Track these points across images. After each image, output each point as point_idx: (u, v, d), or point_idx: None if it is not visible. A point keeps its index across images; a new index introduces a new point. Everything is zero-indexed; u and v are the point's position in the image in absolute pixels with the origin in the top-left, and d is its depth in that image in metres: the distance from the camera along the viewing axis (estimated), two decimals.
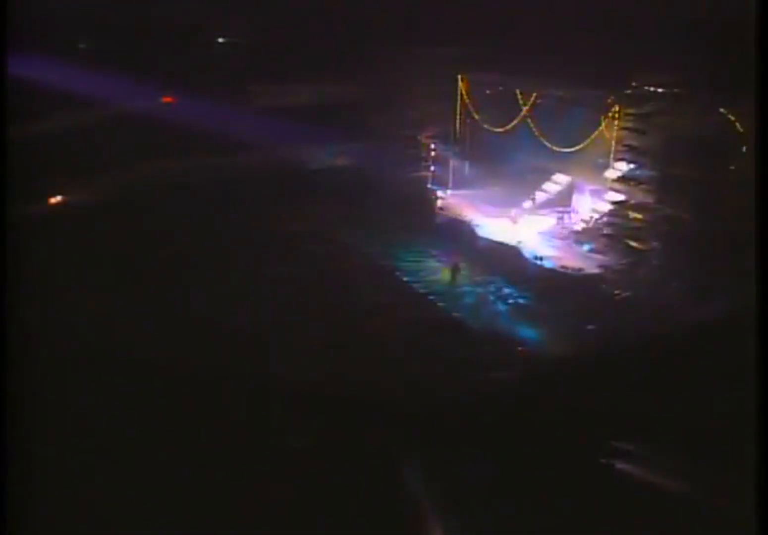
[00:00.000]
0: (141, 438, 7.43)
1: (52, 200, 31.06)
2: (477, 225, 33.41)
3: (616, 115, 30.31)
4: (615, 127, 30.60)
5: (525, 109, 35.73)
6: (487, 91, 36.30)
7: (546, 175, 35.38)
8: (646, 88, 28.44)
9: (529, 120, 35.73)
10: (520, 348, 22.19)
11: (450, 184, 38.31)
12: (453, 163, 38.26)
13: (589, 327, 23.23)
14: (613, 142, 30.76)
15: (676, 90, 27.60)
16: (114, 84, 30.94)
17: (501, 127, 36.29)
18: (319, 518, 7.46)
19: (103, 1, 34.54)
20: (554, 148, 34.41)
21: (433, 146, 38.08)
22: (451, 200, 37.18)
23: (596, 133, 32.13)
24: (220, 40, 40.41)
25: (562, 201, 34.83)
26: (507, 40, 33.03)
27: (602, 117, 31.58)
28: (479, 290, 27.66)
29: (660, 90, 27.93)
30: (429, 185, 38.17)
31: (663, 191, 27.68)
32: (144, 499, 7.11)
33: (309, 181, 36.51)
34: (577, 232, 32.07)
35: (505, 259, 29.57)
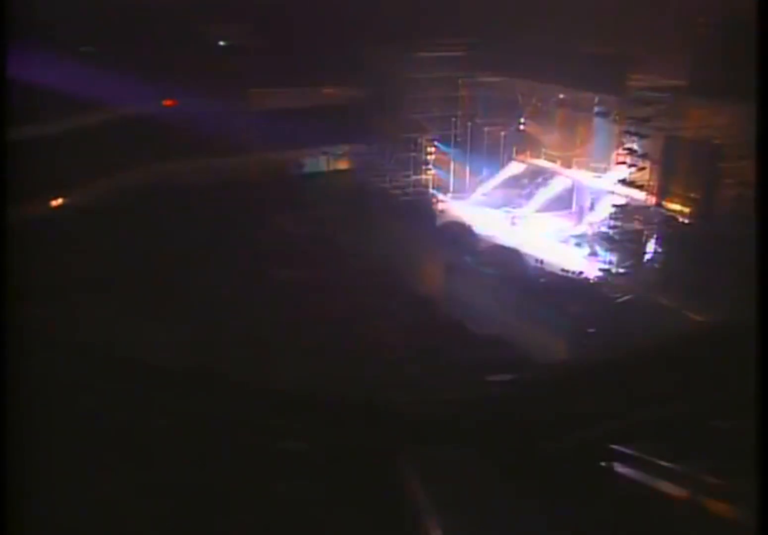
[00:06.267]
0: (139, 439, 7.40)
1: (53, 202, 31.07)
2: (477, 228, 33.42)
3: (617, 119, 30.37)
4: (615, 131, 30.65)
5: (525, 112, 35.81)
6: (488, 94, 36.35)
7: (546, 179, 35.41)
8: (647, 91, 28.45)
9: (529, 123, 35.81)
10: (520, 351, 22.13)
11: (450, 187, 38.36)
12: (454, 166, 38.32)
13: (590, 330, 23.17)
14: (614, 146, 30.82)
15: (676, 93, 27.61)
16: (115, 87, 30.96)
17: (502, 130, 36.38)
18: (317, 522, 7.42)
19: (104, 4, 34.60)
20: (555, 151, 34.47)
21: (433, 149, 38.15)
22: (451, 203, 37.22)
23: (597, 136, 32.17)
24: (221, 43, 40.48)
25: (563, 204, 34.86)
26: (508, 43, 33.08)
27: (603, 120, 31.65)
28: (479, 293, 27.63)
29: (660, 94, 27.93)
30: (429, 188, 38.22)
31: (663, 194, 27.68)
32: (142, 499, 7.07)
33: (309, 184, 36.55)
34: (577, 236, 32.07)
35: (505, 263, 29.53)
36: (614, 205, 29.47)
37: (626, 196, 29.18)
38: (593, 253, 30.12)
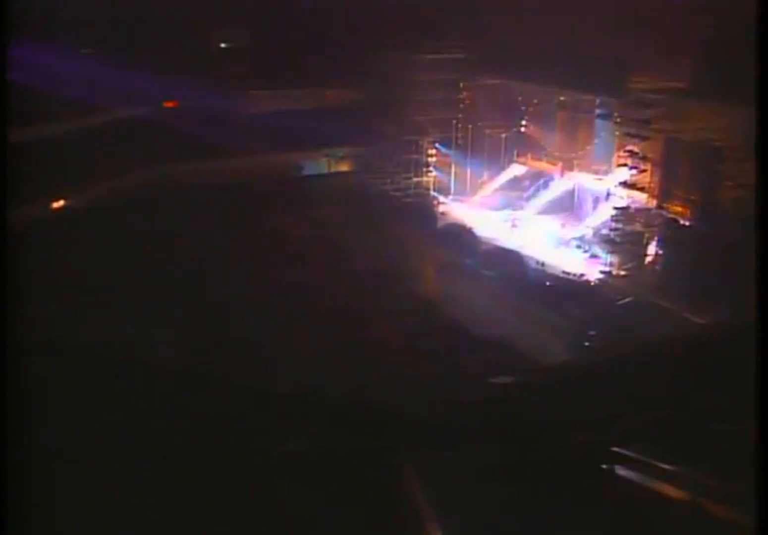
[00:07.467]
0: (138, 440, 7.40)
1: (54, 203, 31.09)
2: (479, 230, 33.44)
3: (617, 121, 30.39)
4: (616, 133, 30.67)
5: (526, 114, 35.85)
6: (489, 97, 36.40)
7: (547, 181, 35.44)
8: (647, 93, 28.48)
9: (530, 125, 35.85)
10: (521, 353, 22.12)
11: (451, 189, 38.41)
12: (455, 168, 38.38)
13: (591, 332, 23.16)
14: (615, 148, 30.84)
15: (676, 96, 27.63)
16: (116, 88, 31.02)
17: (503, 132, 36.42)
18: (318, 524, 7.41)
19: (106, 6, 34.67)
20: (555, 153, 34.49)
21: (434, 151, 38.21)
22: (452, 205, 37.27)
23: (597, 138, 32.20)
24: (223, 44, 40.53)
25: (564, 206, 34.88)
26: (509, 46, 33.11)
27: (604, 122, 31.68)
28: (480, 295, 27.61)
29: (660, 96, 27.96)
30: (431, 190, 38.26)
31: (664, 197, 27.69)
32: (141, 501, 7.06)
33: (311, 186, 36.54)
34: (578, 238, 32.08)
35: (506, 265, 29.55)
36: (615, 208, 29.50)
37: (627, 199, 29.19)
38: (594, 256, 30.13)
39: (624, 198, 29.33)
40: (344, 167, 39.93)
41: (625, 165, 28.98)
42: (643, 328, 21.94)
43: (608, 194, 30.86)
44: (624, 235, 28.63)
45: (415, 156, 37.99)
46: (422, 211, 36.18)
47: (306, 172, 38.64)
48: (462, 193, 38.25)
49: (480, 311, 26.09)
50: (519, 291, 27.24)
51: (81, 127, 31.43)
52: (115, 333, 19.18)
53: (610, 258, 29.05)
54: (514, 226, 33.82)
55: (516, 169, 36.70)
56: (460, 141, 37.71)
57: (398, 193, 37.53)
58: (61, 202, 31.04)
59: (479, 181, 38.03)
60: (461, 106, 37.24)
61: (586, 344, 22.76)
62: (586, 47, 30.94)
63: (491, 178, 37.58)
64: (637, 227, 28.59)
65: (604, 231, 30.17)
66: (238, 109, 35.14)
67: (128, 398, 7.53)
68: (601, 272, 28.47)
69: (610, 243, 29.16)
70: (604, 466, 7.89)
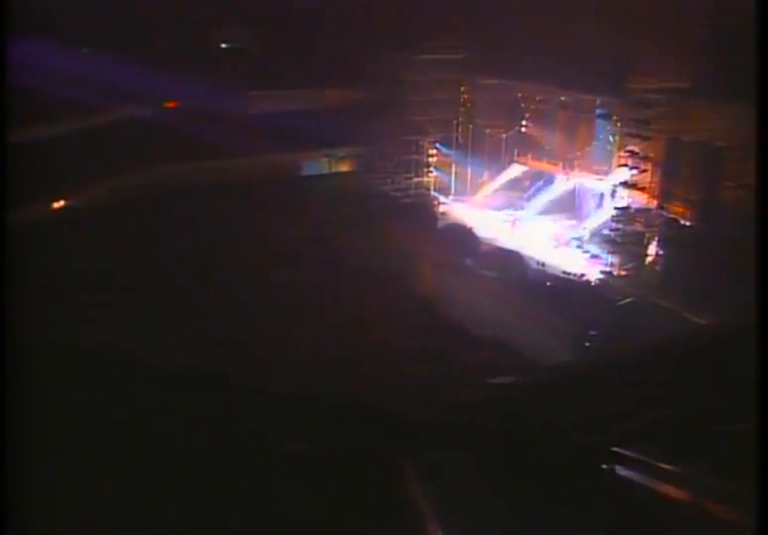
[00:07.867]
0: (138, 440, 7.39)
1: (55, 204, 31.10)
2: (479, 230, 33.44)
3: (618, 121, 30.40)
4: (617, 133, 30.68)
5: (527, 114, 35.85)
6: (489, 97, 36.40)
7: (548, 181, 35.45)
8: (648, 93, 28.49)
9: (530, 125, 35.85)
10: (521, 353, 22.13)
11: (452, 190, 38.42)
12: (455, 168, 38.39)
13: (591, 332, 23.17)
14: (615, 148, 30.86)
15: (677, 95, 27.63)
16: (117, 88, 31.03)
17: (503, 132, 36.42)
18: (317, 524, 7.40)
19: (106, 6, 34.69)
20: (556, 153, 34.50)
21: (435, 151, 38.22)
22: (453, 205, 37.27)
23: (597, 138, 32.19)
24: (223, 45, 40.55)
25: (565, 206, 34.89)
26: (509, 45, 33.11)
27: (604, 122, 31.68)
28: (481, 295, 27.62)
29: (661, 96, 27.97)
30: (431, 190, 38.26)
31: (665, 197, 27.69)
32: (141, 501, 7.05)
33: (311, 186, 36.56)
34: (578, 238, 32.09)
35: (506, 265, 29.55)
36: (616, 208, 29.51)
37: (628, 199, 29.20)
38: (595, 256, 30.14)
39: (624, 198, 29.33)
40: (344, 167, 39.94)
41: (625, 165, 28.98)
42: (643, 328, 21.94)
43: (609, 194, 30.88)
44: (624, 236, 28.64)
45: (415, 156, 38.00)
46: (422, 211, 36.18)
47: (306, 172, 38.64)
48: (462, 193, 38.26)
49: (480, 311, 26.08)
50: (519, 291, 27.23)
51: (81, 127, 31.44)
52: (115, 333, 19.18)
53: (610, 258, 29.05)
54: (514, 226, 33.82)
55: (516, 169, 36.71)
56: (460, 141, 37.72)
57: (398, 194, 37.53)
58: (61, 202, 31.02)
59: (480, 181, 38.04)
60: (461, 106, 37.23)
61: (586, 344, 22.75)
62: (586, 47, 30.94)
63: (492, 178, 37.59)
64: (638, 227, 28.61)
65: (605, 231, 30.19)
66: (238, 109, 35.13)
67: (128, 398, 7.53)
68: (602, 272, 28.47)
69: (611, 243, 29.17)
70: (604, 466, 7.88)
